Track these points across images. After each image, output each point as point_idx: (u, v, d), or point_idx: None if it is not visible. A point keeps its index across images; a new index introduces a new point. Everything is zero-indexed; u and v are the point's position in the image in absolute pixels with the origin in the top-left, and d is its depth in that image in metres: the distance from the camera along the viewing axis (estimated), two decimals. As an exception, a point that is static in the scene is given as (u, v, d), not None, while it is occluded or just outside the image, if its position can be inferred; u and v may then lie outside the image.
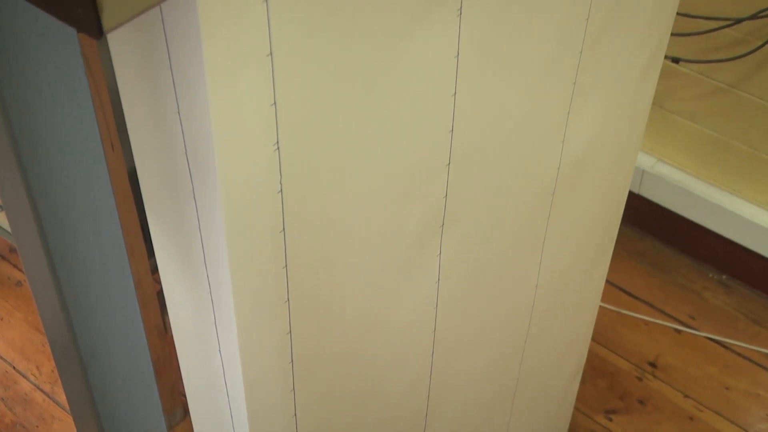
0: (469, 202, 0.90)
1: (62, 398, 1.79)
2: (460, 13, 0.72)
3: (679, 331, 1.91)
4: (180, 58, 0.66)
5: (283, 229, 0.69)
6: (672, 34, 1.45)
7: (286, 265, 0.72)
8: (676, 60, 1.76)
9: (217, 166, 0.62)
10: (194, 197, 0.75)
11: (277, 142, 0.62)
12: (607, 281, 1.87)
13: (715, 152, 1.88)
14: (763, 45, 1.65)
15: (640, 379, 1.84)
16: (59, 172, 0.92)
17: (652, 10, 1.04)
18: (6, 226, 1.60)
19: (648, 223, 2.05)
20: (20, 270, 2.01)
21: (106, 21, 0.50)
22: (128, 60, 0.70)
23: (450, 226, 0.89)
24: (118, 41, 0.66)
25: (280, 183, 0.65)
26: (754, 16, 1.62)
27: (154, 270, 0.95)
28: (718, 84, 1.79)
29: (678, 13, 1.59)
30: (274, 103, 0.60)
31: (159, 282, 0.85)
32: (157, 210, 0.78)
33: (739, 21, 1.64)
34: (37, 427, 1.77)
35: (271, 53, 0.58)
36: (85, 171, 0.89)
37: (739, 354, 1.87)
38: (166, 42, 0.67)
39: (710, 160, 1.90)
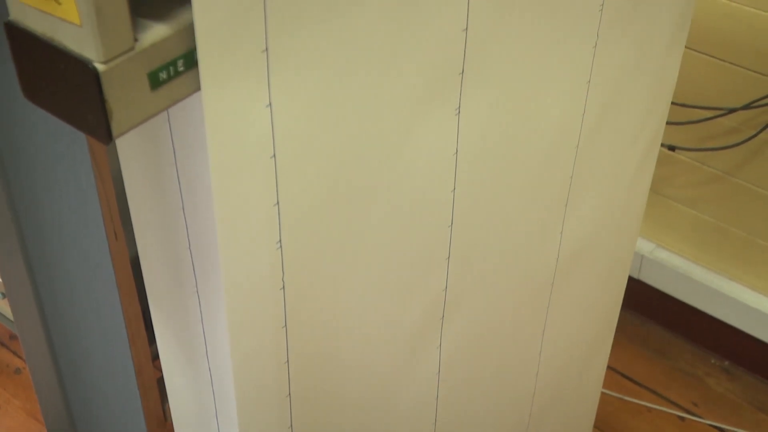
0: (469, 294, 0.91)
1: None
2: (459, 113, 0.74)
3: (683, 419, 1.90)
4: (186, 157, 0.68)
5: (285, 324, 0.70)
6: (668, 123, 1.48)
7: (287, 360, 0.72)
8: (672, 148, 1.79)
9: (221, 262, 0.63)
10: (197, 291, 0.76)
11: (280, 240, 0.64)
12: (609, 367, 1.86)
13: (713, 238, 1.90)
14: (756, 134, 1.67)
15: (644, 467, 1.82)
16: (62, 260, 0.94)
17: (647, 103, 1.07)
18: (7, 313, 1.61)
19: (649, 309, 2.05)
20: (19, 357, 2.00)
21: (116, 127, 0.52)
22: (134, 155, 0.72)
23: (450, 318, 0.90)
24: (125, 137, 0.68)
25: (283, 280, 0.66)
26: (746, 107, 1.65)
27: (155, 357, 0.96)
28: (714, 171, 1.81)
29: (673, 103, 1.62)
30: (277, 203, 0.62)
31: (160, 369, 0.86)
32: (160, 300, 0.79)
33: (732, 111, 1.67)
34: None
35: (274, 155, 0.59)
36: (88, 259, 0.90)
37: (743, 441, 1.86)
38: (172, 141, 0.68)
39: (709, 245, 1.91)
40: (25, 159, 0.79)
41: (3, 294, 1.39)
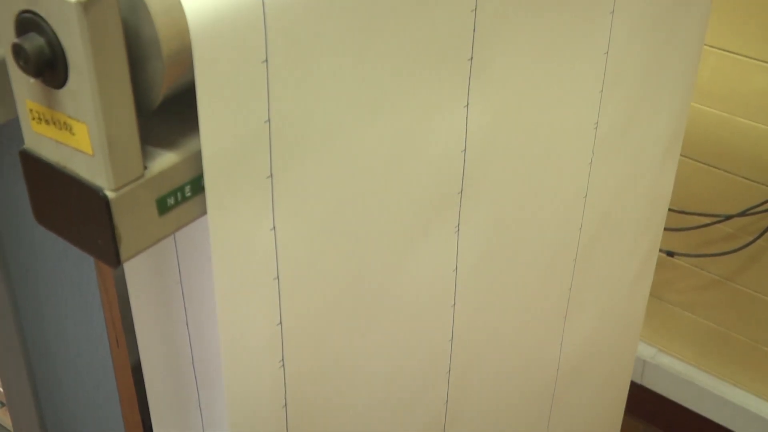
0: (470, 406, 0.91)
1: None
2: (458, 230, 0.75)
3: None
4: (191, 275, 0.70)
5: (287, 441, 0.70)
6: (665, 229, 1.50)
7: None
8: (671, 254, 1.80)
9: (224, 378, 0.64)
10: (199, 405, 0.76)
11: (282, 359, 0.64)
12: (613, 475, 1.83)
13: (714, 343, 1.90)
14: (753, 240, 1.69)
15: None
16: (65, 369, 0.94)
17: (644, 212, 1.08)
18: (7, 424, 1.59)
19: (652, 414, 2.04)
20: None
21: (124, 252, 0.53)
22: (141, 272, 0.73)
23: (451, 430, 0.90)
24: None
25: (285, 398, 0.67)
26: (742, 213, 1.68)
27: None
28: (713, 276, 1.83)
29: (670, 210, 1.65)
30: (280, 322, 0.63)
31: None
32: (161, 411, 0.79)
33: (728, 217, 1.69)
34: None
35: (278, 276, 0.61)
36: (91, 367, 0.91)
37: None
38: (178, 259, 0.70)
39: (710, 351, 1.91)
40: (32, 274, 0.80)
41: (2, 403, 1.38)
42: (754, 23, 1.58)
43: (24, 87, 0.51)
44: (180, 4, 0.48)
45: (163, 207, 0.54)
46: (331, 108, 0.58)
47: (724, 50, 1.63)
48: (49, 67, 0.48)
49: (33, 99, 0.51)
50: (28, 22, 0.48)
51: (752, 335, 1.84)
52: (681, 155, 1.20)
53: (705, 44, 1.51)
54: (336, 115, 0.59)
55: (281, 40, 0.52)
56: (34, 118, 0.52)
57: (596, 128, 0.87)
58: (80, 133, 0.50)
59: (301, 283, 0.63)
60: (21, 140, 0.54)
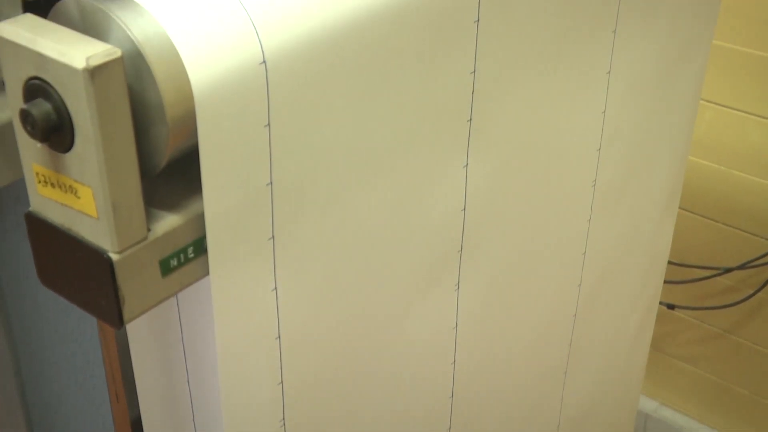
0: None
1: None
2: (458, 288, 0.76)
3: None
4: (192, 334, 0.70)
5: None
6: (666, 282, 1.50)
7: None
8: (671, 306, 1.80)
9: (224, 438, 0.64)
10: (200, 464, 0.76)
11: (283, 418, 0.65)
12: None
13: (716, 396, 1.89)
14: (754, 293, 1.69)
15: None
16: (65, 427, 0.94)
17: (644, 266, 1.09)
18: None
19: (655, 468, 2.02)
20: None
21: (127, 313, 0.54)
22: (143, 330, 0.74)
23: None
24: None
25: (285, 457, 0.67)
26: (742, 266, 1.68)
27: None
28: (714, 329, 1.82)
29: (670, 262, 1.65)
30: (281, 382, 0.63)
31: None
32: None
33: (728, 270, 1.70)
34: None
35: (279, 336, 0.61)
36: (91, 423, 0.91)
37: None
38: (180, 318, 0.70)
39: (712, 404, 1.90)
40: (34, 332, 0.80)
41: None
42: (749, 78, 1.60)
43: (31, 151, 0.52)
44: (184, 69, 0.49)
45: (166, 268, 0.54)
46: (332, 170, 0.59)
47: (721, 105, 1.65)
48: (56, 132, 0.49)
49: (39, 163, 0.52)
50: (36, 89, 0.49)
51: (754, 388, 1.83)
52: (680, 208, 1.21)
53: (701, 99, 1.53)
54: (337, 177, 0.60)
55: (283, 104, 0.53)
56: (40, 181, 0.53)
57: (594, 186, 0.88)
58: (85, 197, 0.51)
59: (302, 343, 0.63)
60: (25, 201, 0.55)
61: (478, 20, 0.64)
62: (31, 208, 0.55)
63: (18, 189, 0.58)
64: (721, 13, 1.00)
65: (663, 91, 0.94)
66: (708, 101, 1.65)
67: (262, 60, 0.51)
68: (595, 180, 0.87)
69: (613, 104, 0.85)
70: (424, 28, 0.61)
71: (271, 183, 0.55)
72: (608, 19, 0.79)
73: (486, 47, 0.66)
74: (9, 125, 0.57)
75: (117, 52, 0.47)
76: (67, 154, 0.50)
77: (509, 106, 0.72)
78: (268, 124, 0.53)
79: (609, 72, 0.82)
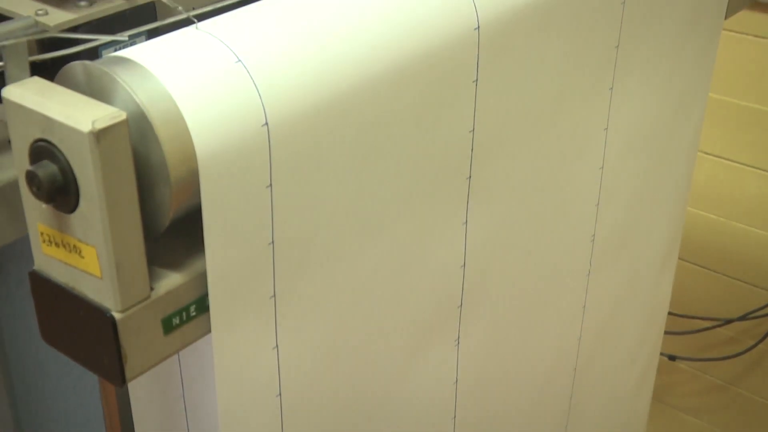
0: None
1: None
2: (458, 344, 0.76)
3: None
4: (193, 390, 0.70)
5: None
6: (666, 333, 1.50)
7: None
8: (672, 357, 1.80)
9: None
10: None
11: (285, 476, 0.65)
12: None
13: (719, 448, 1.88)
14: (755, 345, 1.69)
15: None
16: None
17: (644, 319, 1.09)
18: None
19: None
20: None
21: (129, 371, 0.54)
22: (144, 386, 0.74)
23: None
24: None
25: None
26: (743, 317, 1.68)
27: None
28: (715, 381, 1.82)
29: (670, 313, 1.65)
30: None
31: None
32: None
33: (729, 321, 1.70)
34: None
35: (280, 394, 0.61)
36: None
37: None
38: (181, 375, 0.71)
39: (716, 456, 1.89)
40: (35, 389, 0.81)
41: None
42: (745, 130, 1.62)
43: (36, 211, 0.53)
44: (188, 131, 0.50)
45: (168, 326, 0.55)
46: (333, 229, 0.60)
47: (718, 156, 1.66)
48: (61, 193, 0.50)
49: (44, 223, 0.53)
50: (42, 150, 0.50)
51: (757, 440, 1.82)
52: (680, 259, 1.22)
53: (699, 150, 1.54)
54: (337, 235, 0.60)
55: (285, 165, 0.54)
56: (44, 241, 0.54)
57: (593, 241, 0.88)
58: (89, 256, 0.51)
59: (303, 400, 0.63)
60: (28, 258, 0.55)
61: (476, 80, 0.66)
62: (35, 267, 0.55)
63: (21, 246, 0.58)
64: (717, 67, 1.02)
65: (661, 144, 0.95)
66: (706, 153, 1.66)
67: (264, 122, 0.52)
68: (593, 235, 0.88)
69: (611, 160, 0.86)
70: (424, 89, 0.62)
71: (273, 242, 0.56)
72: (605, 77, 0.80)
73: (485, 106, 0.67)
74: (13, 183, 0.58)
75: (122, 115, 0.48)
76: (72, 215, 0.51)
77: (508, 163, 0.73)
78: (270, 185, 0.54)
79: (606, 128, 0.83)
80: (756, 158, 1.62)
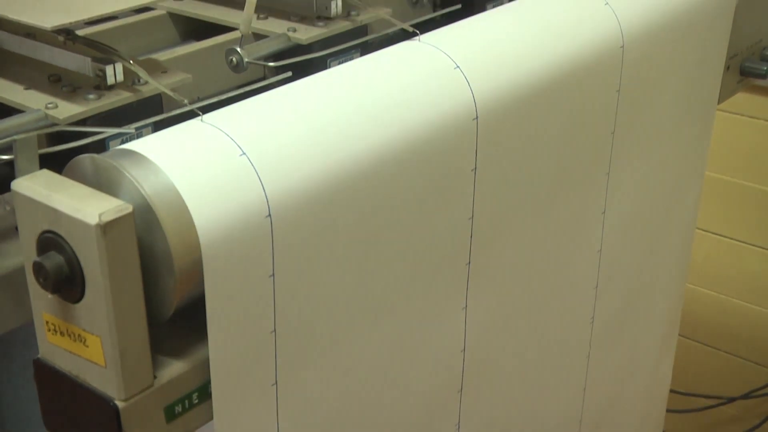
0: None
1: None
2: (459, 427, 0.76)
3: None
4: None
5: None
6: (668, 411, 1.49)
7: None
8: (676, 436, 1.79)
9: None
10: None
11: None
12: None
13: None
14: (760, 424, 1.68)
15: None
16: None
17: (645, 398, 1.09)
18: None
19: None
20: None
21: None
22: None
23: None
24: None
25: None
26: (746, 396, 1.67)
27: None
28: (720, 459, 1.80)
29: (672, 391, 1.64)
30: None
31: None
32: None
33: (731, 400, 1.69)
34: None
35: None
36: None
37: None
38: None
39: None
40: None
41: None
42: (743, 208, 1.63)
43: (42, 301, 0.54)
44: (192, 222, 0.51)
45: (170, 414, 0.55)
46: (334, 316, 0.61)
47: (717, 234, 1.67)
48: (67, 284, 0.51)
49: (50, 312, 0.54)
50: (49, 242, 0.51)
51: None
52: (681, 336, 1.22)
53: (699, 228, 1.56)
54: (339, 322, 0.61)
55: (288, 255, 0.55)
56: (49, 330, 0.54)
57: (592, 323, 0.89)
58: (93, 346, 0.52)
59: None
60: (32, 344, 0.56)
61: (475, 168, 0.67)
62: (39, 355, 0.56)
63: (25, 332, 0.59)
64: (714, 146, 1.04)
65: (659, 224, 0.96)
66: (704, 230, 1.67)
67: (267, 213, 0.53)
68: (593, 317, 0.89)
69: (609, 242, 0.87)
70: (424, 178, 0.63)
71: (275, 331, 0.57)
72: (602, 162, 0.82)
73: (483, 193, 0.68)
74: (18, 270, 0.58)
75: (128, 208, 0.49)
76: (77, 305, 0.52)
77: (506, 248, 0.74)
78: (273, 274, 0.55)
79: (604, 212, 0.84)
80: (754, 236, 1.63)
